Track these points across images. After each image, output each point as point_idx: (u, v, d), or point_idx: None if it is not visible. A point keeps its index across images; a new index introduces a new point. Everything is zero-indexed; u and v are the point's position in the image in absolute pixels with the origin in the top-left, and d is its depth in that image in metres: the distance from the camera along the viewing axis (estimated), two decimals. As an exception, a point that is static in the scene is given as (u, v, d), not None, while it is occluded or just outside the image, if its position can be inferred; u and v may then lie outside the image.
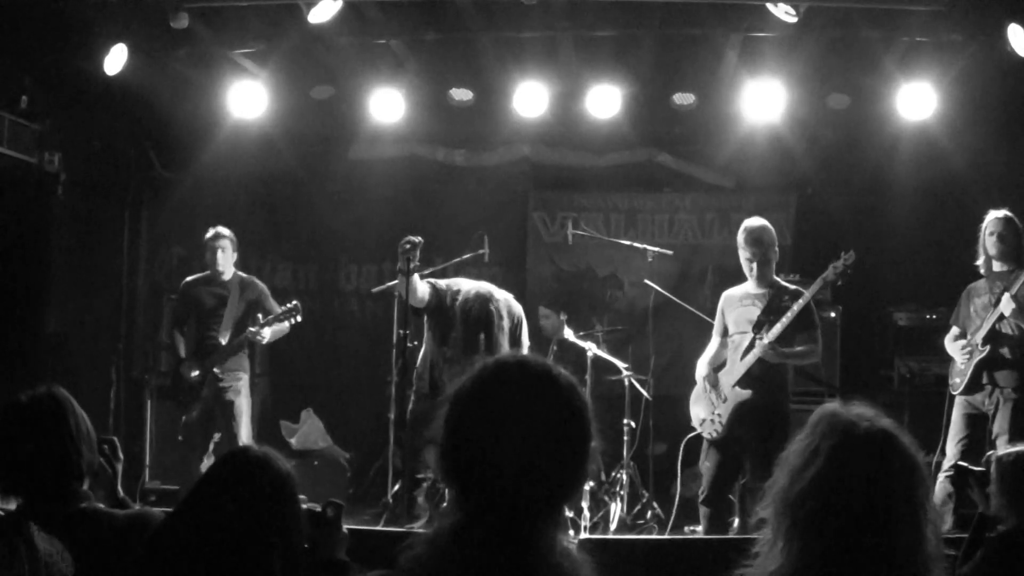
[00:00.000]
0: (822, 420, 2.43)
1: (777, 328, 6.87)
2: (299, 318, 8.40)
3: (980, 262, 7.36)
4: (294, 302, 8.43)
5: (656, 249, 8.79)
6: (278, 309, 8.39)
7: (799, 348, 6.96)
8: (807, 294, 6.97)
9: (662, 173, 10.57)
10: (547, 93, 8.89)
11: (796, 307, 6.87)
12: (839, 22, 7.93)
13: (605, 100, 8.88)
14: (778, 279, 7.24)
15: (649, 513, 8.19)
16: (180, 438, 8.52)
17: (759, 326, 6.97)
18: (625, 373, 8.38)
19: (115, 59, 8.12)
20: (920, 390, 7.96)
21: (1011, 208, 8.24)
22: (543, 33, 8.43)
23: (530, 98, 8.89)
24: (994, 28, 7.56)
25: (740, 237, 7.19)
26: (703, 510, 7.16)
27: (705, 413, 7.12)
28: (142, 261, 10.49)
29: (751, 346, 6.97)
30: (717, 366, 7.23)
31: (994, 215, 7.31)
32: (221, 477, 2.90)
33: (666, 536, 7.79)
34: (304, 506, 3.06)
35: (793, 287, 7.20)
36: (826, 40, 8.25)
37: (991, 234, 7.26)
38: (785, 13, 7.41)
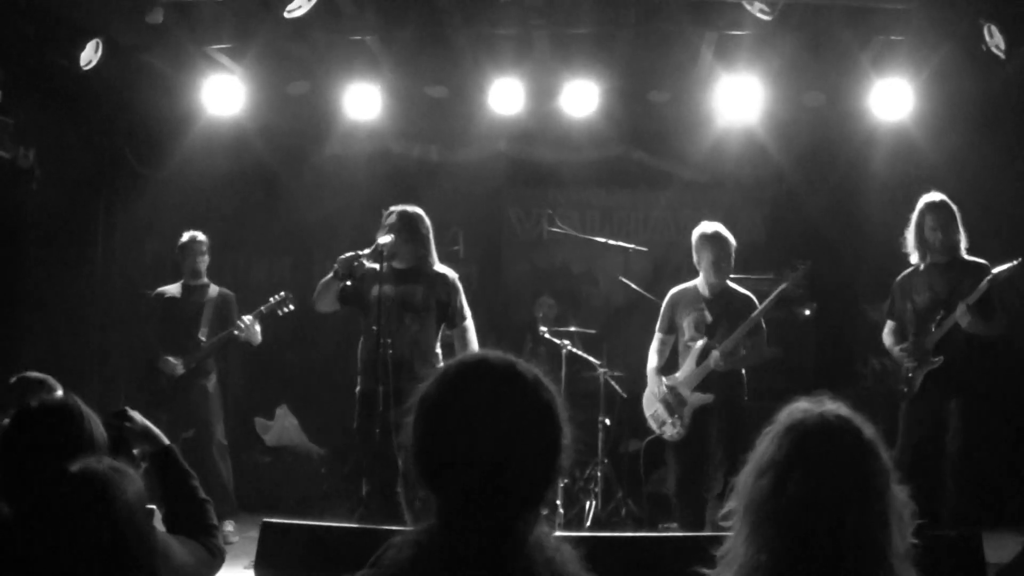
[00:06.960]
0: (785, 412, 2.46)
1: (731, 340, 7.07)
2: (292, 307, 8.43)
3: (913, 254, 7.10)
4: (283, 292, 8.46)
5: (631, 246, 8.81)
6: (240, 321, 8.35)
7: (745, 353, 7.19)
8: (761, 307, 7.15)
9: (637, 170, 10.57)
10: (523, 89, 8.88)
11: (751, 320, 7.08)
12: (814, 20, 7.95)
13: (581, 97, 8.87)
14: (728, 282, 7.35)
15: (624, 510, 8.20)
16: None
17: (712, 333, 7.18)
18: (600, 370, 8.38)
19: (90, 54, 8.08)
20: (893, 387, 7.96)
21: (988, 204, 8.24)
22: (519, 29, 8.43)
23: (506, 94, 8.87)
24: (969, 26, 7.60)
25: (704, 239, 7.29)
26: (675, 505, 7.26)
27: (665, 416, 7.28)
28: (116, 256, 10.42)
29: (705, 353, 7.14)
30: (665, 366, 7.44)
31: (930, 201, 7.00)
32: (56, 503, 2.51)
33: (641, 533, 7.81)
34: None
35: (743, 292, 7.33)
36: (801, 38, 8.27)
37: (932, 228, 6.92)
38: (760, 11, 7.44)
